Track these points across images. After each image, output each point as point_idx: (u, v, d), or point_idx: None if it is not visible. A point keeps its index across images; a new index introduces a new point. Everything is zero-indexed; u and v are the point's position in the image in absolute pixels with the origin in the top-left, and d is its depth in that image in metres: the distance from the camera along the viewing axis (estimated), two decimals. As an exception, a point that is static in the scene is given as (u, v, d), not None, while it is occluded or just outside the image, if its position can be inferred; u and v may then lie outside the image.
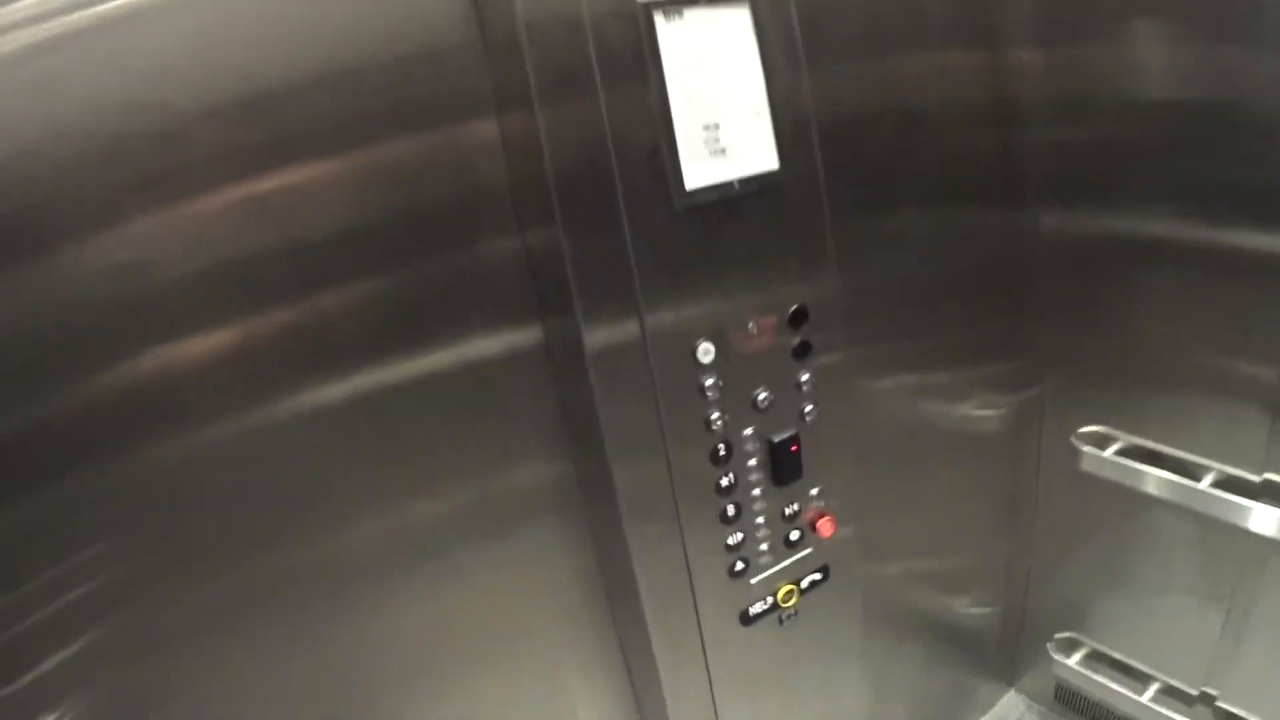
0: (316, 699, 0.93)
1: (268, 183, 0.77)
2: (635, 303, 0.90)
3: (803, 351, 1.02)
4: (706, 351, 0.95)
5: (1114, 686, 1.47)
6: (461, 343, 0.90)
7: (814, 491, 1.12)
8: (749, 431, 1.02)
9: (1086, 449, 1.30)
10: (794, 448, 1.05)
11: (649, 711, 1.18)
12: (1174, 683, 1.39)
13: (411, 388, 0.88)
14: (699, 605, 1.09)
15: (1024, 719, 1.72)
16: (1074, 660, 1.55)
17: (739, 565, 1.10)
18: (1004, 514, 1.55)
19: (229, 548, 0.84)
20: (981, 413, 1.38)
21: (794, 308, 1.00)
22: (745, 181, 0.93)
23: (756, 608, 1.14)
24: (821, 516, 1.14)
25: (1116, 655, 1.49)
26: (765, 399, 1.01)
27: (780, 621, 1.18)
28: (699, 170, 0.90)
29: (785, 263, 0.98)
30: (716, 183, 0.91)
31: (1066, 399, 1.34)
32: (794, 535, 1.13)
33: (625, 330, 0.91)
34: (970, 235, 1.25)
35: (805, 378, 1.04)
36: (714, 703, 1.19)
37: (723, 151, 0.91)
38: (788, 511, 1.10)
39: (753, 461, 1.04)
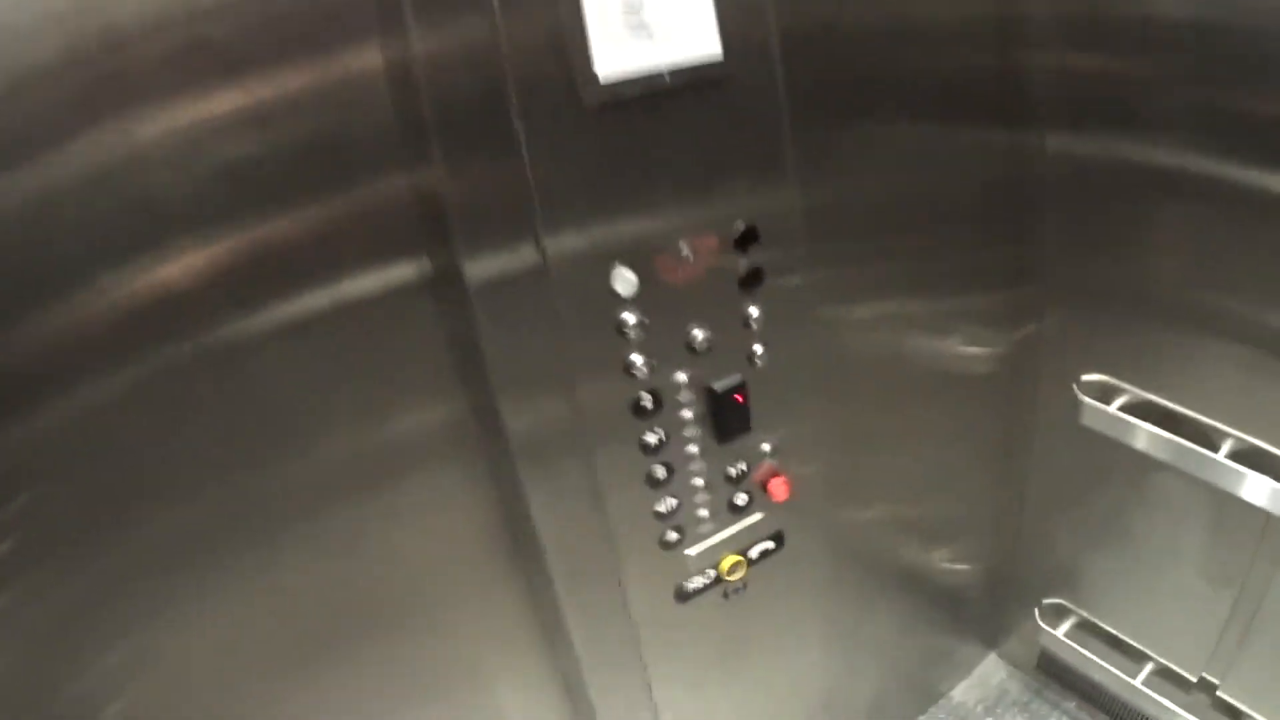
0: (184, 685, 0.78)
1: (122, 124, 0.60)
2: (532, 222, 0.71)
3: (752, 280, 0.84)
4: (625, 280, 0.76)
5: (1103, 663, 1.32)
6: (340, 280, 0.71)
7: (765, 448, 0.95)
8: (683, 377, 0.84)
9: (1088, 400, 1.13)
10: (739, 397, 0.88)
11: (577, 695, 1.03)
12: (1172, 665, 1.25)
13: (286, 333, 0.70)
14: (624, 580, 0.93)
15: (1004, 686, 1.59)
16: (1062, 630, 1.40)
17: (672, 535, 0.93)
18: (994, 464, 1.38)
19: (72, 523, 0.68)
20: (972, 350, 1.20)
21: (741, 227, 0.81)
22: (679, 72, 0.73)
23: (695, 583, 0.98)
24: (774, 476, 0.97)
25: (1109, 628, 1.34)
26: (704, 338, 0.83)
27: (725, 596, 1.02)
28: (615, 55, 0.70)
29: (731, 173, 0.79)
30: (640, 72, 0.71)
31: (1068, 341, 1.16)
32: (741, 499, 0.96)
33: (519, 257, 0.72)
34: (966, 154, 1.05)
35: (754, 312, 0.85)
36: (649, 687, 1.04)
37: (646, 31, 0.72)
38: (733, 472, 0.93)
39: (687, 414, 0.86)
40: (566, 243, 0.73)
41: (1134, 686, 1.26)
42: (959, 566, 1.50)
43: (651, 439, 0.85)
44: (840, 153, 0.92)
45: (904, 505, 1.30)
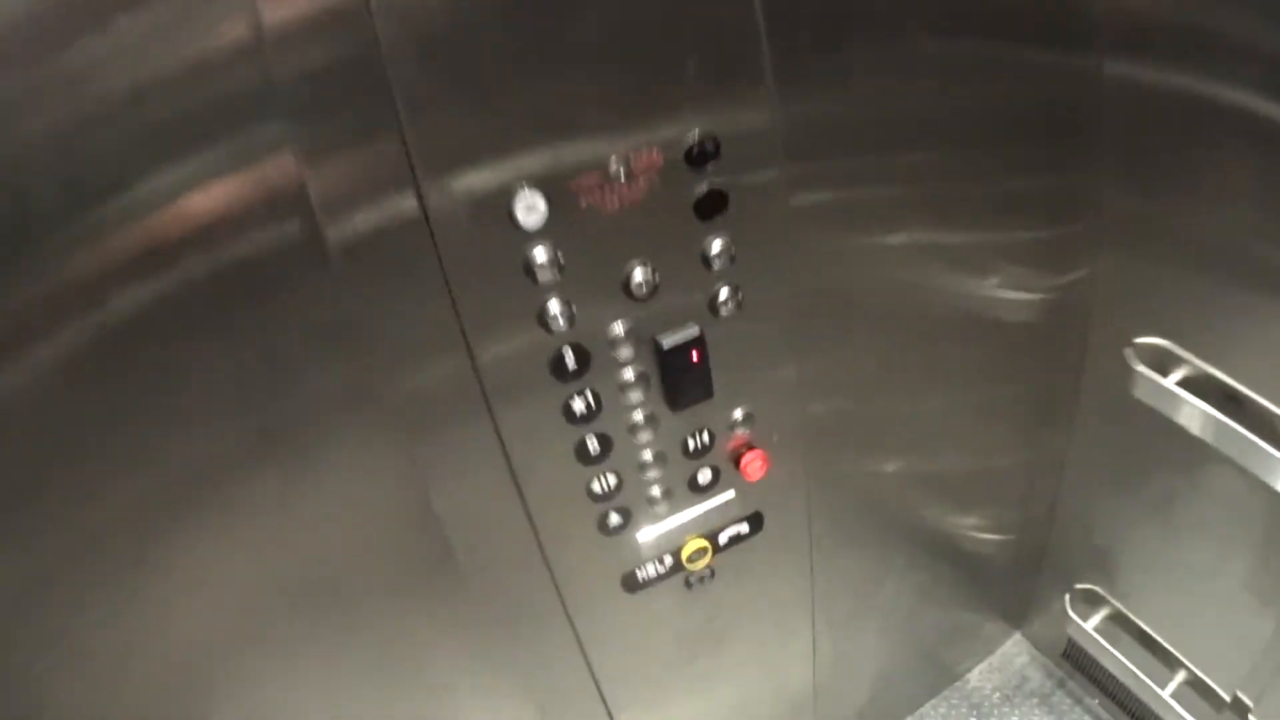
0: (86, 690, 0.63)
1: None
2: (403, 143, 0.52)
3: (711, 206, 0.64)
4: (532, 208, 0.57)
5: (1131, 665, 1.14)
6: (223, 246, 0.53)
7: (736, 415, 0.76)
8: (619, 329, 0.65)
9: (1141, 369, 0.91)
10: (696, 354, 0.69)
11: (531, 694, 0.87)
12: (1205, 678, 1.05)
13: (165, 308, 0.53)
14: (555, 570, 0.76)
15: (1025, 673, 1.41)
16: (1093, 622, 1.21)
17: (615, 519, 0.75)
18: (1032, 425, 1.17)
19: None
20: (1007, 294, 0.97)
21: (695, 137, 0.61)
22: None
23: (648, 571, 0.81)
24: (749, 451, 0.78)
25: (1143, 625, 1.14)
26: (645, 280, 0.64)
27: (688, 586, 0.85)
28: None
29: (679, 67, 0.59)
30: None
31: (1123, 294, 0.94)
32: (704, 476, 0.78)
33: (392, 199, 0.54)
34: (1012, 71, 0.82)
35: (716, 247, 0.66)
36: (598, 687, 0.88)
37: None
38: (692, 445, 0.75)
39: (628, 374, 0.67)
40: (450, 167, 0.54)
41: (1162, 698, 1.08)
42: (985, 536, 1.31)
43: (579, 405, 0.67)
44: (841, 54, 0.70)
45: (921, 467, 1.10)
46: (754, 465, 0.78)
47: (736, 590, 0.90)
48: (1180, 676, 1.08)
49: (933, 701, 1.41)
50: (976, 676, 1.42)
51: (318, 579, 0.70)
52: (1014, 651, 1.44)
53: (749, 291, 0.69)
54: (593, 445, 0.70)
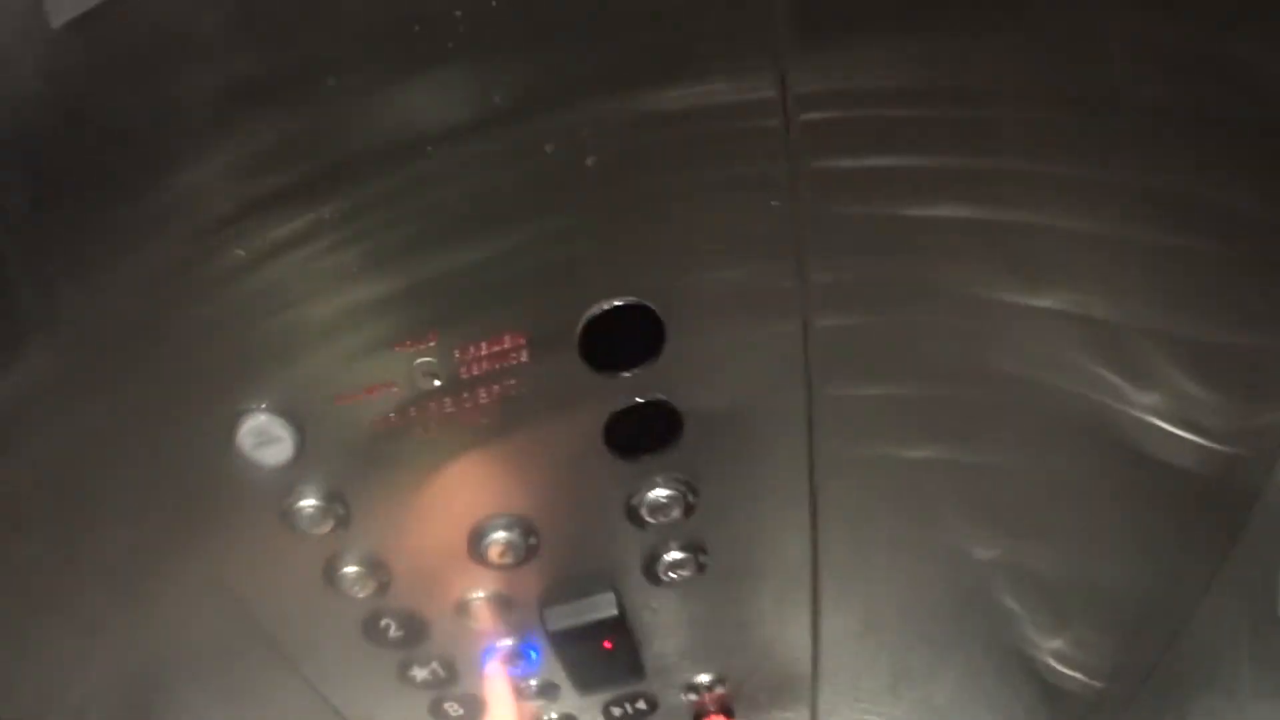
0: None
1: None
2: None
3: (643, 435, 0.32)
4: (267, 438, 0.28)
5: None
6: None
7: (695, 681, 0.45)
8: (469, 602, 0.36)
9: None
10: (609, 643, 0.38)
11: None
12: None
13: None
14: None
15: None
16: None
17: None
18: (1166, 569, 0.74)
19: None
20: (1168, 425, 0.50)
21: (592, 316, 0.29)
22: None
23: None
24: (715, 716, 0.47)
25: None
26: (511, 545, 0.34)
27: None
28: None
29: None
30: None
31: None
32: (644, 740, 0.48)
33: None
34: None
35: (654, 498, 0.34)
36: None
37: None
38: (618, 714, 0.45)
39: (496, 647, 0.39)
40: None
41: None
42: (1070, 670, 0.90)
43: (420, 673, 0.39)
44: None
45: (1021, 545, 0.71)
46: (722, 741, 0.47)
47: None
48: None
49: None
50: None
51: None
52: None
53: (720, 548, 0.37)
54: (454, 710, 0.41)
